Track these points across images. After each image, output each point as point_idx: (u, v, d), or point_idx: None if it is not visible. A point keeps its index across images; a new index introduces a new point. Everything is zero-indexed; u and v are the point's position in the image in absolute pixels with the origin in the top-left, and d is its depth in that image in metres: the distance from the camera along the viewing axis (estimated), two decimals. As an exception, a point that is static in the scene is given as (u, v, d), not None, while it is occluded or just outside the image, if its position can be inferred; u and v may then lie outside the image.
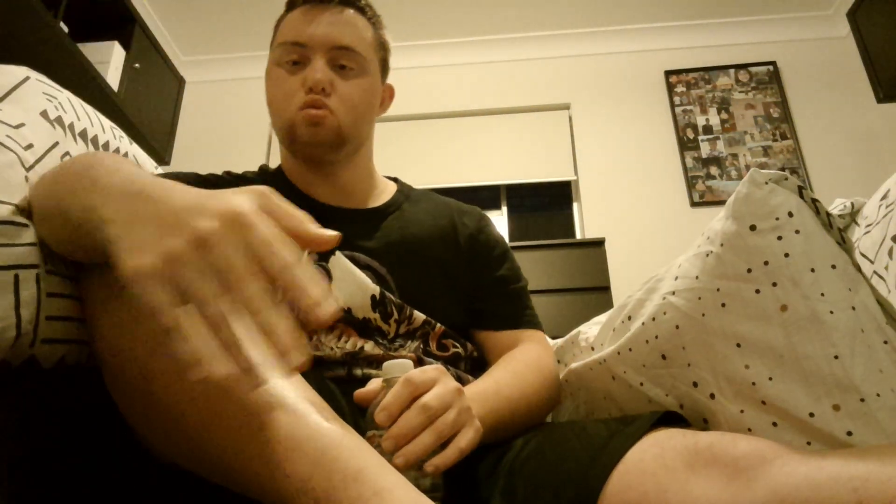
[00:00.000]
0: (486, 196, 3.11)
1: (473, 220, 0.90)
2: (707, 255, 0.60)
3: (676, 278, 0.64)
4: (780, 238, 0.54)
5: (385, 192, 0.90)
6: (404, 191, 0.92)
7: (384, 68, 0.88)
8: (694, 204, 2.89)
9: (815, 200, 0.56)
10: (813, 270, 0.52)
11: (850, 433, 0.48)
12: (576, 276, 2.28)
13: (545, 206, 3.16)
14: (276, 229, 0.36)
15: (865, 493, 0.37)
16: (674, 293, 0.63)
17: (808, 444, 0.50)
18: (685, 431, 0.52)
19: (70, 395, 0.57)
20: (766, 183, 0.56)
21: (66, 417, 0.57)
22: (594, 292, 2.26)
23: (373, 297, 0.73)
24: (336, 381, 0.67)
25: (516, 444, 0.63)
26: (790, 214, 0.54)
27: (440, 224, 0.86)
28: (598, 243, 2.34)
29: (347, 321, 0.72)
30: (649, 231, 2.86)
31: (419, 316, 0.75)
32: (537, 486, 0.54)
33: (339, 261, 0.74)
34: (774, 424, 0.53)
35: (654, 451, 0.50)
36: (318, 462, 0.42)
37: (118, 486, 0.57)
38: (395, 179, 0.95)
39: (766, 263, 0.54)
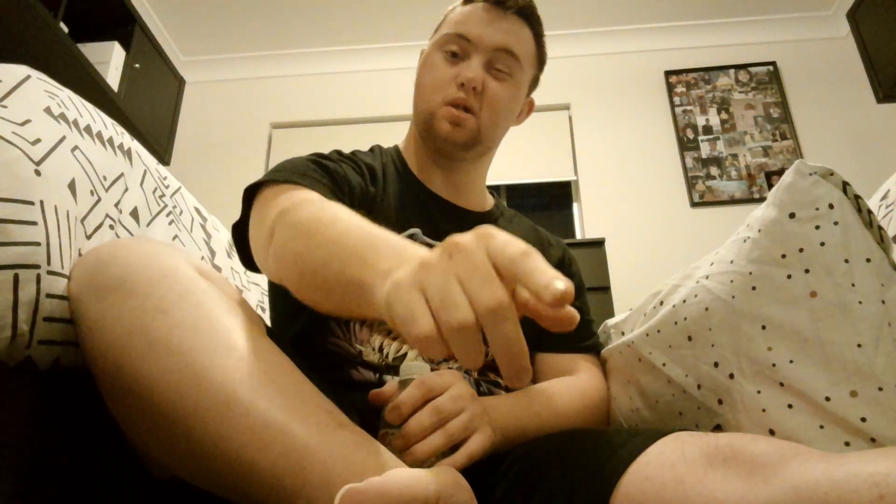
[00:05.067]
0: (486, 196, 3.11)
1: (559, 251, 0.93)
2: (745, 240, 0.61)
3: (712, 264, 0.66)
4: (817, 227, 0.55)
5: (487, 201, 0.93)
6: (500, 206, 0.95)
7: (534, 83, 0.90)
8: (694, 204, 2.89)
9: (857, 197, 0.56)
10: (847, 261, 0.53)
11: (864, 419, 0.49)
12: (576, 276, 2.27)
13: (545, 206, 3.16)
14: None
15: (887, 487, 0.36)
16: (707, 277, 0.64)
17: (821, 427, 0.51)
18: (705, 434, 0.52)
19: (66, 398, 0.57)
20: (811, 174, 0.57)
21: (63, 420, 0.56)
22: (594, 292, 2.26)
23: None
24: (364, 387, 0.68)
25: (532, 445, 0.63)
26: (831, 206, 0.55)
27: None
28: (598, 243, 2.34)
29: None
30: (649, 231, 2.85)
31: None
32: (553, 481, 0.54)
33: None
34: (790, 406, 0.53)
35: (674, 444, 0.49)
36: (334, 467, 0.42)
37: (113, 490, 0.57)
38: (491, 192, 0.98)
39: (801, 250, 0.55)
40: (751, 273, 0.59)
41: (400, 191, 0.83)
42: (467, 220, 0.86)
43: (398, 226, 0.79)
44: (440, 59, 0.81)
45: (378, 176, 0.83)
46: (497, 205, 0.95)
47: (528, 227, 0.95)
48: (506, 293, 0.34)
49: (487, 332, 0.34)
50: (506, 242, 0.35)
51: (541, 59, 0.88)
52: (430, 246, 0.79)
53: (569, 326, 0.36)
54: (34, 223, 0.52)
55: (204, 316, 0.47)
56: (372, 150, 0.92)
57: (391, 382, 0.59)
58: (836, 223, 0.54)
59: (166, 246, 0.53)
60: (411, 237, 0.78)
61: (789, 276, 0.56)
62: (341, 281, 0.47)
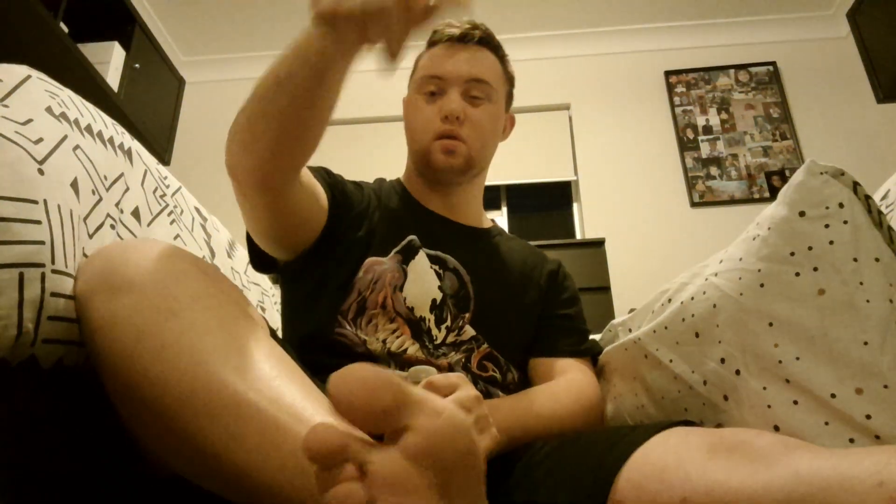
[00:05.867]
0: (487, 196, 3.07)
1: (553, 265, 0.98)
2: (754, 238, 0.61)
3: (721, 261, 0.66)
4: (827, 226, 0.55)
5: (485, 222, 1.00)
6: (498, 228, 1.02)
7: (509, 100, 0.98)
8: (694, 204, 2.90)
9: (868, 197, 0.56)
10: (856, 260, 0.53)
11: (869, 416, 0.49)
12: (576, 276, 2.24)
13: (545, 206, 3.16)
14: None
15: (888, 475, 0.36)
16: (716, 274, 0.65)
17: (826, 423, 0.51)
18: (708, 429, 0.52)
19: (68, 397, 0.57)
20: (822, 174, 0.57)
21: (65, 419, 0.56)
22: (594, 292, 2.26)
23: (433, 300, 0.79)
24: None
25: (536, 444, 0.65)
26: (841, 205, 0.55)
27: (526, 261, 0.94)
28: (598, 243, 2.34)
29: (408, 318, 0.78)
30: (649, 231, 2.86)
31: (469, 331, 0.80)
32: (554, 474, 0.55)
33: (418, 264, 0.81)
34: (795, 402, 0.54)
35: (679, 434, 0.50)
36: None
37: (114, 490, 0.57)
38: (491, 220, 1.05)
39: (809, 248, 0.56)
40: (759, 270, 0.59)
41: (398, 207, 0.90)
42: (463, 232, 0.91)
43: (395, 233, 0.84)
44: (421, 100, 0.89)
45: (375, 194, 0.90)
46: (496, 227, 1.01)
47: (524, 246, 1.00)
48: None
49: None
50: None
51: (508, 77, 0.97)
52: (426, 254, 0.82)
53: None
54: (38, 222, 0.52)
55: (215, 319, 0.48)
56: (375, 181, 0.99)
57: None
58: (845, 222, 0.55)
59: (176, 248, 0.54)
60: (408, 244, 0.83)
61: (798, 274, 0.56)
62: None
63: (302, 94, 0.60)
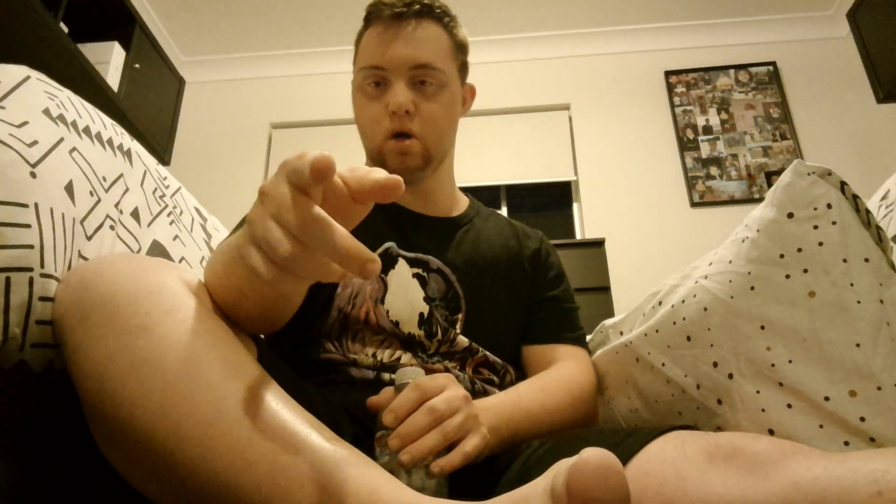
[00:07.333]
0: (487, 196, 3.11)
1: (536, 242, 0.93)
2: (743, 240, 0.61)
3: (711, 264, 0.66)
4: (816, 227, 0.55)
5: (460, 203, 0.93)
6: (474, 205, 0.95)
7: (464, 70, 0.88)
8: (694, 204, 2.90)
9: (855, 197, 0.56)
10: (845, 261, 0.53)
11: (863, 419, 0.49)
12: (576, 276, 2.28)
13: (545, 206, 3.16)
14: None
15: (886, 484, 0.36)
16: (706, 277, 0.64)
17: (821, 427, 0.51)
18: (705, 432, 0.52)
19: (68, 397, 0.57)
20: (809, 174, 0.57)
21: (64, 419, 0.56)
22: (594, 292, 2.26)
23: (420, 314, 0.75)
24: (363, 384, 0.70)
25: (532, 444, 0.63)
26: (829, 206, 0.55)
27: (509, 245, 0.89)
28: (598, 243, 2.34)
29: (393, 333, 0.75)
30: (649, 231, 2.86)
31: (462, 341, 0.77)
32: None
33: (399, 275, 0.77)
34: (789, 406, 0.54)
35: (675, 443, 0.49)
36: (326, 486, 0.40)
37: (114, 490, 0.57)
38: (466, 194, 0.98)
39: (799, 250, 0.55)
40: (749, 273, 0.59)
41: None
42: (438, 226, 0.87)
43: (369, 241, 0.79)
44: (366, 94, 0.82)
45: None
46: (472, 205, 0.95)
47: (505, 223, 0.95)
48: (308, 208, 0.37)
49: (311, 246, 0.37)
50: (295, 165, 0.39)
51: (460, 46, 0.86)
52: (406, 258, 0.79)
53: (394, 192, 0.41)
54: (28, 226, 0.51)
55: (189, 332, 0.45)
56: None
57: (387, 389, 0.60)
58: (834, 223, 0.54)
59: (156, 261, 0.52)
60: (385, 252, 0.79)
61: (788, 276, 0.56)
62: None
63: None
